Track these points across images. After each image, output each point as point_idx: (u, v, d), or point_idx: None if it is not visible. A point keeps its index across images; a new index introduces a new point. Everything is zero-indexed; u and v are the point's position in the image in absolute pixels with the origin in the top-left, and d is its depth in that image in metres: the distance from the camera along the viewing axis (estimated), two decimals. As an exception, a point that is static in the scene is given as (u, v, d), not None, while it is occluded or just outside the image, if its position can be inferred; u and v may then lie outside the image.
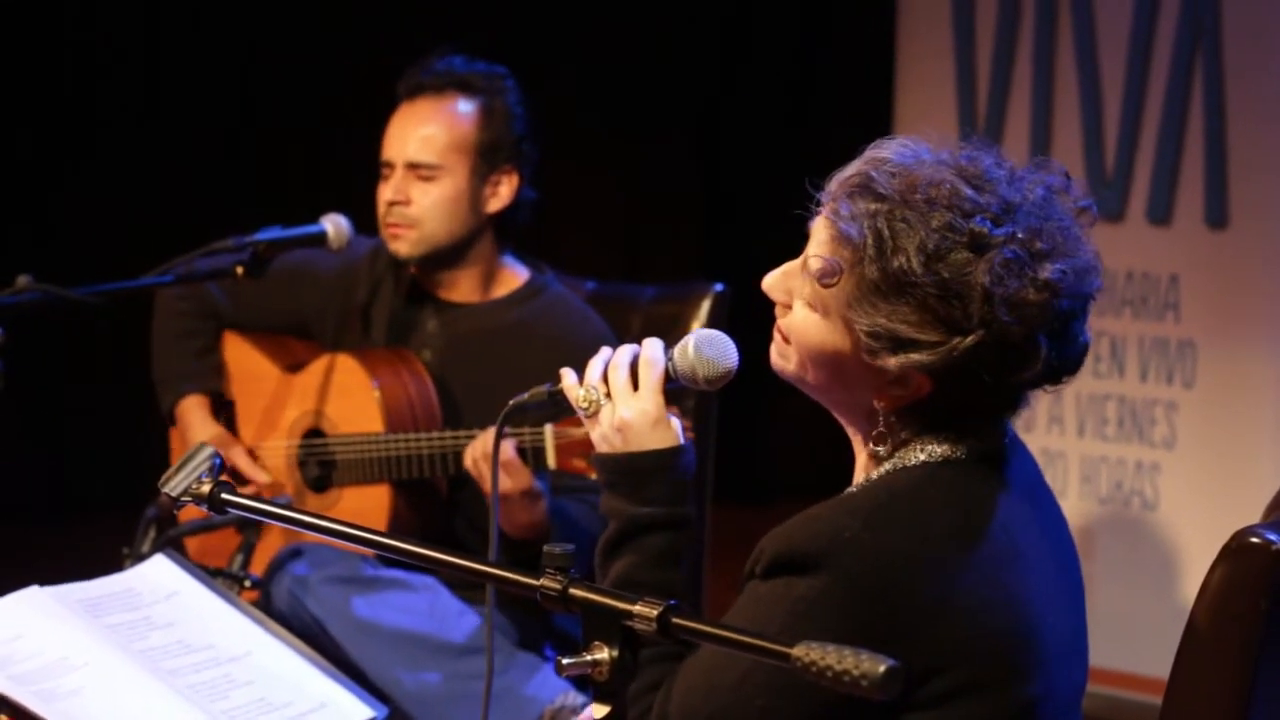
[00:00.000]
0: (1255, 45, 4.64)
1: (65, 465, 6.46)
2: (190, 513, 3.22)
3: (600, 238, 6.74)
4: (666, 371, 2.37)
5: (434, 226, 3.78)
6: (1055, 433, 4.91)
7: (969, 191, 2.15)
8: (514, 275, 3.88)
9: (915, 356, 2.15)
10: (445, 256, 3.81)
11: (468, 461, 3.56)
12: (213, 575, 3.32)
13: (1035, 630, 2.18)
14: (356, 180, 4.09)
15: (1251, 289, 4.65)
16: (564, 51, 6.50)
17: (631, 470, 2.36)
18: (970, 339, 2.13)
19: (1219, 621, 2.21)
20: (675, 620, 1.87)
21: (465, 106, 3.80)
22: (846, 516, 2.15)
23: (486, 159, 3.79)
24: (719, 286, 3.96)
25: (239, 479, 3.86)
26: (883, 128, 5.31)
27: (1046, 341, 2.15)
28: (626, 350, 2.41)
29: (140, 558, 3.39)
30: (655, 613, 1.87)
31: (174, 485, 2.24)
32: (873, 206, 2.16)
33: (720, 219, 7.00)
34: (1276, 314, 4.62)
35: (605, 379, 2.40)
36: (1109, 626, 4.30)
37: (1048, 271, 2.13)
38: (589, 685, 1.94)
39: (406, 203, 3.77)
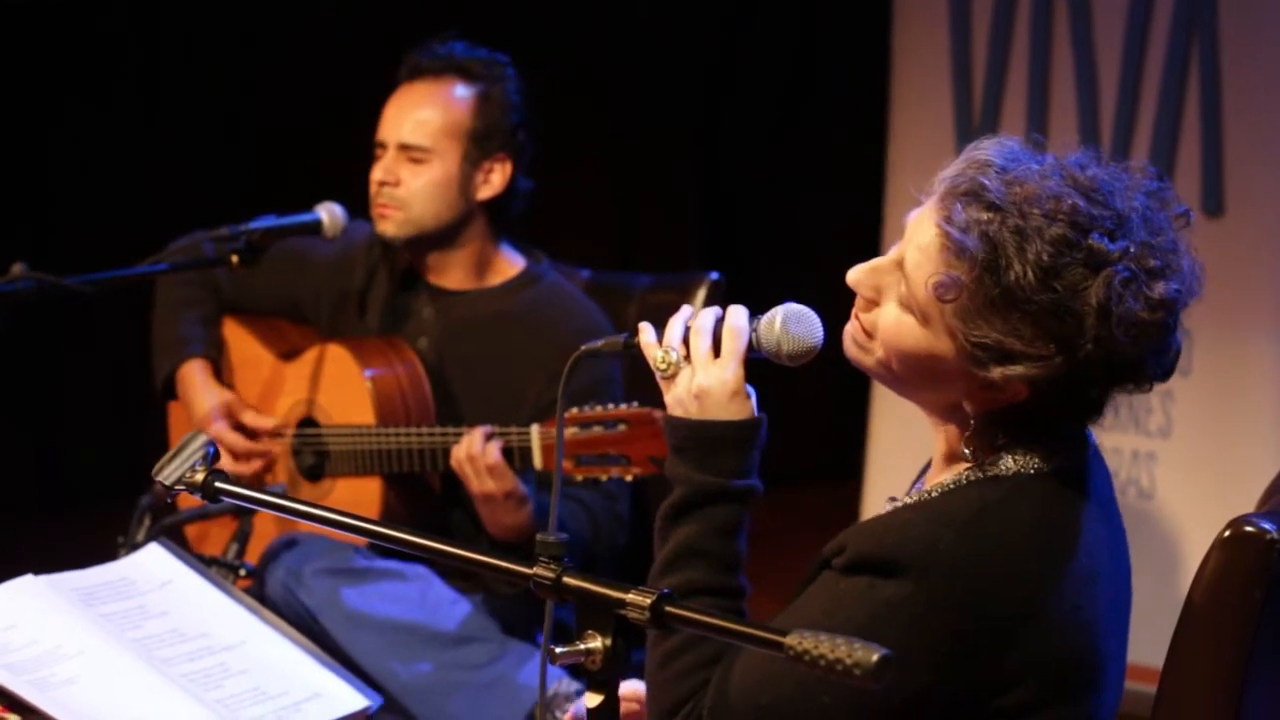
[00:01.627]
0: (1251, 35, 4.64)
1: (60, 454, 6.45)
2: (188, 501, 3.23)
3: (596, 227, 6.73)
4: (749, 342, 2.34)
5: (420, 209, 3.78)
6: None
7: (1084, 204, 2.12)
8: (509, 264, 3.88)
9: (1021, 369, 2.13)
10: (433, 240, 3.81)
11: (453, 462, 3.56)
12: (207, 564, 3.32)
13: (1101, 652, 2.20)
14: (355, 168, 4.09)
15: (1247, 277, 4.64)
16: (561, 41, 6.49)
17: (705, 439, 2.32)
18: (1080, 355, 2.11)
19: (1213, 610, 2.21)
20: (668, 609, 1.87)
21: (462, 92, 3.80)
22: (940, 527, 2.14)
23: (479, 145, 3.79)
24: (715, 275, 3.96)
25: (249, 434, 3.86)
26: (878, 118, 5.32)
27: (1153, 356, 2.15)
28: (710, 314, 2.36)
29: (135, 546, 3.39)
30: (648, 601, 1.87)
31: (167, 473, 2.24)
32: (986, 215, 2.12)
33: (716, 209, 7.00)
34: (1272, 302, 4.62)
35: (686, 341, 2.36)
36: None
37: (1161, 290, 2.11)
38: (582, 673, 1.94)
39: (396, 184, 3.78)
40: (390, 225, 3.79)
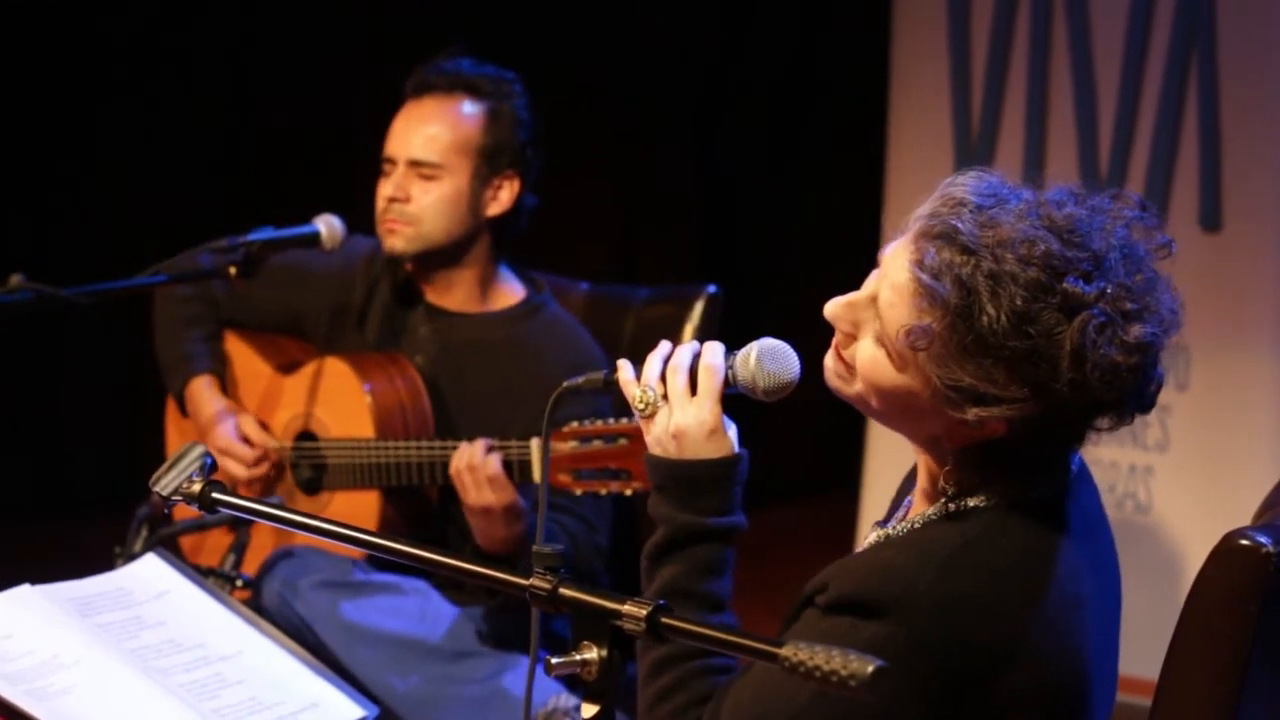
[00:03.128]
0: (1250, 47, 4.64)
1: (57, 464, 6.45)
2: (185, 511, 3.23)
3: (596, 239, 6.74)
4: (726, 378, 2.34)
5: (431, 226, 3.77)
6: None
7: (1058, 247, 2.09)
8: (510, 290, 3.87)
9: (995, 411, 2.11)
10: (440, 257, 3.81)
11: (453, 471, 3.55)
12: (204, 574, 3.32)
13: (1088, 677, 2.19)
14: (355, 181, 4.10)
15: (1245, 292, 4.65)
16: (561, 52, 6.50)
17: (684, 478, 2.32)
18: (1054, 398, 2.10)
19: (1209, 623, 2.22)
20: (664, 620, 1.87)
21: (471, 108, 3.80)
22: (921, 564, 2.13)
23: (489, 162, 3.78)
24: (712, 288, 3.96)
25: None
26: (878, 129, 5.32)
27: (1131, 394, 2.14)
28: (687, 350, 2.36)
29: (132, 557, 3.39)
30: (644, 613, 1.88)
31: (165, 484, 2.24)
32: (959, 259, 2.10)
33: (716, 221, 7.00)
34: (1270, 317, 4.62)
35: (664, 379, 2.35)
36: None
37: (1137, 334, 2.10)
38: (579, 685, 1.94)
39: (406, 200, 3.77)
40: (399, 241, 3.78)
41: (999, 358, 2.09)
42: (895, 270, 2.16)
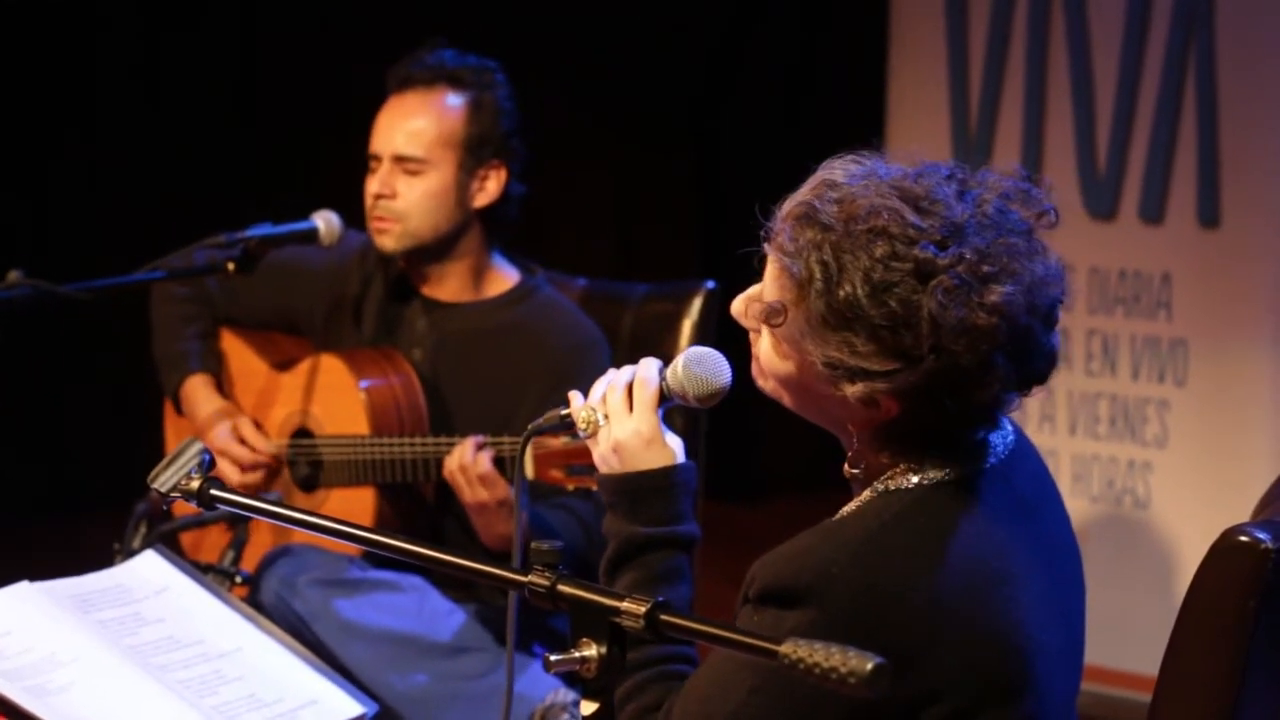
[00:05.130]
0: (1248, 43, 4.64)
1: (56, 461, 6.45)
2: (184, 508, 3.23)
3: (593, 235, 6.74)
4: (661, 391, 2.38)
5: (419, 220, 3.77)
6: (1047, 431, 4.91)
7: (912, 217, 2.12)
8: (504, 276, 3.87)
9: (874, 385, 2.13)
10: (431, 251, 3.80)
11: (446, 472, 3.55)
12: (203, 571, 3.32)
13: (1027, 651, 2.17)
14: (353, 176, 4.09)
15: (1243, 287, 4.65)
16: (558, 47, 6.50)
17: (627, 490, 2.37)
18: (923, 366, 2.11)
19: (1208, 620, 2.21)
20: (663, 617, 1.87)
21: (453, 100, 3.79)
22: (834, 549, 2.14)
23: (474, 153, 3.78)
24: (710, 284, 3.96)
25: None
26: (876, 125, 5.32)
27: (1005, 360, 2.13)
28: (626, 371, 2.41)
29: (131, 553, 3.38)
30: (643, 609, 1.88)
31: (163, 481, 2.24)
32: (816, 237, 2.14)
33: (714, 217, 7.00)
34: (1268, 313, 4.62)
35: (605, 400, 2.40)
36: (1100, 624, 4.25)
37: (995, 295, 2.10)
38: (578, 682, 1.94)
39: (392, 196, 3.77)
40: (389, 240, 3.78)
41: (862, 330, 2.12)
42: (770, 261, 2.22)
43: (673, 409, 2.42)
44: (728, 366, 2.38)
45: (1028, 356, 2.16)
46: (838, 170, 2.21)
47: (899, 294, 2.10)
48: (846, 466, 2.26)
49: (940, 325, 2.09)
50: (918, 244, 2.11)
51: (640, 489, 2.36)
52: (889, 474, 2.21)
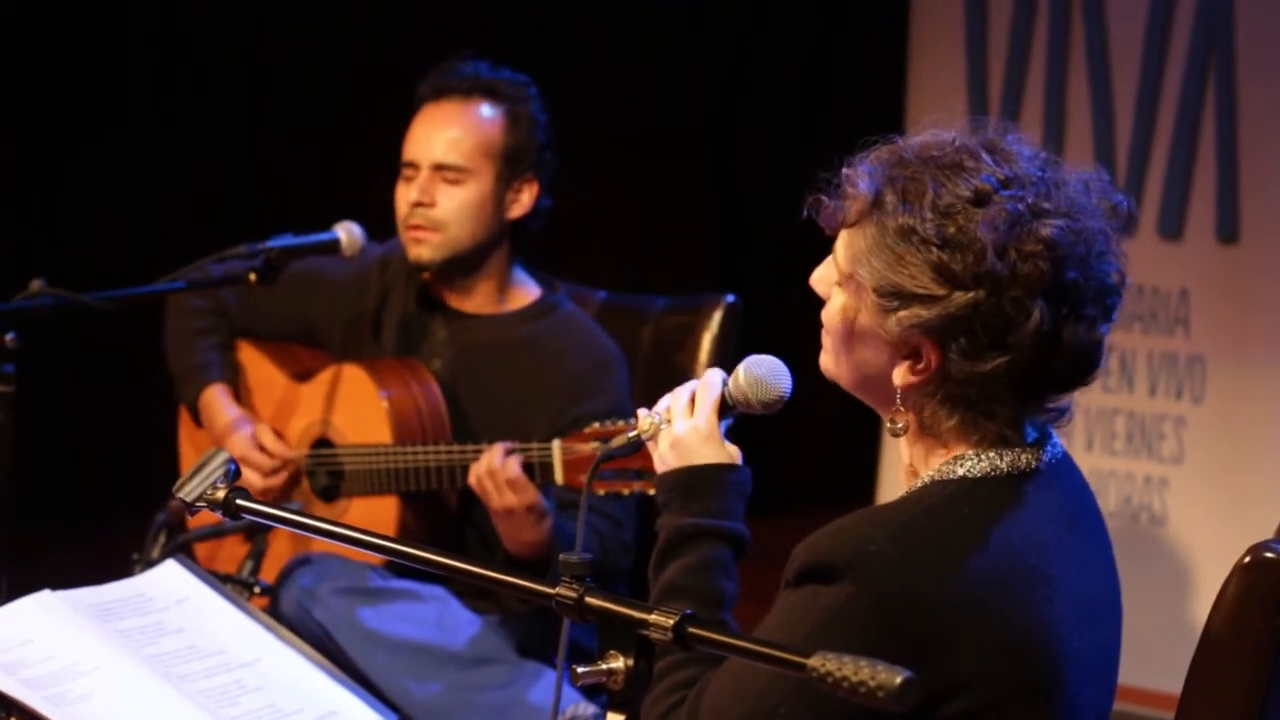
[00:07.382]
0: (1268, 59, 4.64)
1: (76, 470, 6.46)
2: (200, 519, 3.23)
3: (612, 248, 6.73)
4: (723, 398, 2.42)
5: (458, 230, 3.77)
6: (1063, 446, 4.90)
7: (986, 157, 2.19)
8: (525, 290, 3.88)
9: (917, 311, 2.16)
10: (464, 262, 3.80)
11: (472, 479, 3.55)
12: (222, 581, 3.32)
13: (1057, 653, 2.17)
14: (371, 187, 4.09)
15: (1262, 304, 4.64)
16: (575, 60, 6.50)
17: (680, 484, 2.40)
18: (970, 295, 2.14)
19: (1234, 636, 2.21)
20: (691, 630, 1.86)
21: (490, 112, 3.80)
22: (874, 528, 2.16)
23: (511, 165, 3.78)
24: (730, 298, 3.95)
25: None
26: (895, 136, 5.31)
27: (1046, 309, 2.14)
28: (691, 382, 2.46)
29: (151, 563, 3.39)
30: (671, 622, 1.87)
31: (189, 490, 2.24)
32: (891, 159, 2.21)
33: (732, 230, 7.00)
34: (1286, 329, 4.62)
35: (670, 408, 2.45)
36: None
37: (1048, 228, 2.15)
38: (602, 694, 1.93)
39: (432, 204, 3.77)
40: (426, 249, 3.77)
41: (918, 250, 2.15)
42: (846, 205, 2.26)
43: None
44: (787, 373, 2.41)
45: (1072, 321, 2.17)
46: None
47: (957, 218, 2.15)
48: (910, 459, 2.28)
49: (988, 251, 2.13)
50: (981, 174, 2.17)
51: (694, 480, 2.39)
52: (942, 466, 2.22)
